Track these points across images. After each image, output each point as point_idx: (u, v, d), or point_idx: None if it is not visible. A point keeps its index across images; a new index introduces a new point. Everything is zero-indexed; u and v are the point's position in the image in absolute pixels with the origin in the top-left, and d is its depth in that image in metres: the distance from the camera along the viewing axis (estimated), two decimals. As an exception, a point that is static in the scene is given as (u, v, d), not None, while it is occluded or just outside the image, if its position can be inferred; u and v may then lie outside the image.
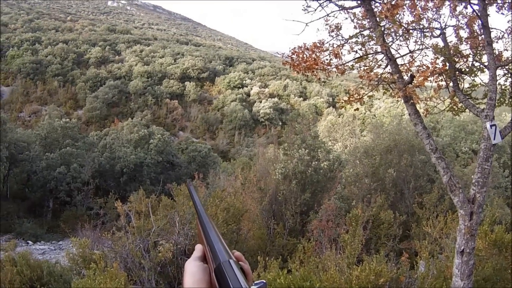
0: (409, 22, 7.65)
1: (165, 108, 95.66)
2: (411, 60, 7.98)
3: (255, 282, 1.34)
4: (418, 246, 12.05)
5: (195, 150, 49.22)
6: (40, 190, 34.98)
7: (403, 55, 8.03)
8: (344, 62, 7.84)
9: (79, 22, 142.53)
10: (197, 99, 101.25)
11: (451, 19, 7.85)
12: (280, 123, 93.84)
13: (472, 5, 7.45)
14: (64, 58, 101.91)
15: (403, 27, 7.57)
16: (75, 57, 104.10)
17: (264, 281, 1.37)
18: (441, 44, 7.95)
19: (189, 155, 48.45)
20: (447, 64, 7.80)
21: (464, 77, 8.23)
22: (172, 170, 44.23)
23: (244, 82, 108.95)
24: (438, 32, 7.88)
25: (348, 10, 7.94)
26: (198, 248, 1.42)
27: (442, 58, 7.79)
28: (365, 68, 8.02)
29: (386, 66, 7.95)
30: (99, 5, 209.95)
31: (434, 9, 7.70)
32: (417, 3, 7.44)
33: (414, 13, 7.39)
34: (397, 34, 7.80)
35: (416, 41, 7.83)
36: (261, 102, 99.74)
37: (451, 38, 8.11)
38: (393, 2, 6.96)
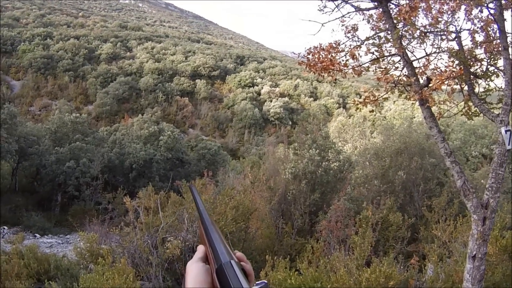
0: (425, 25, 7.60)
1: (175, 105, 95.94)
2: (426, 63, 7.93)
3: (257, 282, 1.34)
4: (427, 249, 12.01)
5: (205, 148, 49.16)
6: (49, 184, 35.12)
7: (419, 58, 7.99)
8: (360, 64, 7.82)
9: (91, 18, 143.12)
10: (208, 97, 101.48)
11: (466, 23, 7.80)
12: (290, 123, 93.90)
13: (488, 9, 7.39)
14: (75, 53, 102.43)
15: (419, 30, 7.53)
16: (86, 52, 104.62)
17: (266, 282, 1.37)
18: (456, 47, 7.90)
19: (199, 153, 48.39)
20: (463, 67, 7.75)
21: (479, 81, 8.18)
22: (182, 167, 44.18)
23: (255, 81, 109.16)
24: (453, 35, 7.82)
25: (364, 12, 7.92)
26: (200, 249, 1.43)
27: (457, 62, 7.73)
28: (381, 70, 7.98)
29: (403, 68, 7.91)
30: (111, 2, 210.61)
31: (450, 12, 7.65)
32: (432, 6, 7.39)
33: (432, 16, 7.34)
34: (413, 37, 7.75)
35: (432, 44, 7.78)
36: (271, 101, 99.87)
37: (466, 42, 8.05)
38: (411, 5, 6.93)
